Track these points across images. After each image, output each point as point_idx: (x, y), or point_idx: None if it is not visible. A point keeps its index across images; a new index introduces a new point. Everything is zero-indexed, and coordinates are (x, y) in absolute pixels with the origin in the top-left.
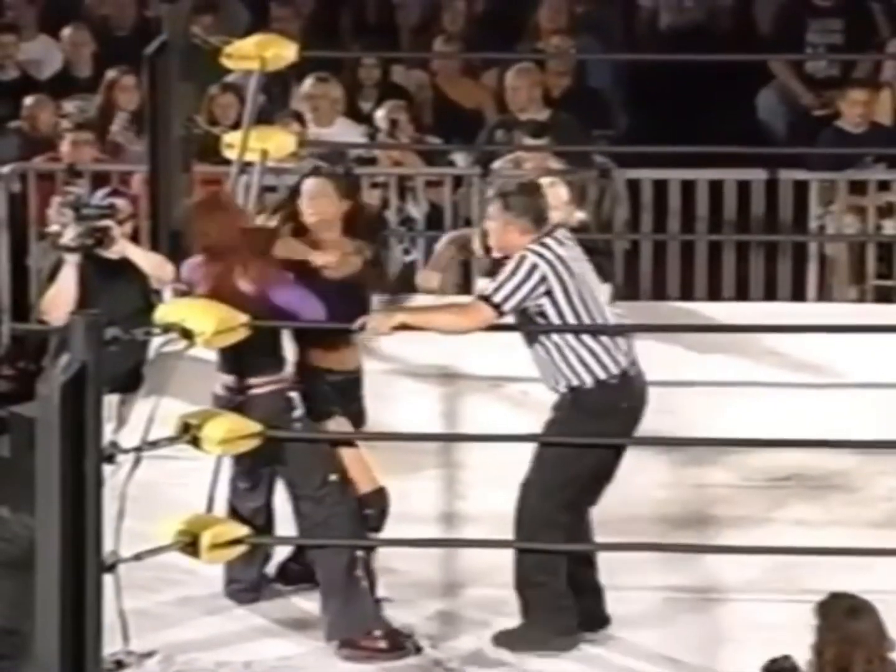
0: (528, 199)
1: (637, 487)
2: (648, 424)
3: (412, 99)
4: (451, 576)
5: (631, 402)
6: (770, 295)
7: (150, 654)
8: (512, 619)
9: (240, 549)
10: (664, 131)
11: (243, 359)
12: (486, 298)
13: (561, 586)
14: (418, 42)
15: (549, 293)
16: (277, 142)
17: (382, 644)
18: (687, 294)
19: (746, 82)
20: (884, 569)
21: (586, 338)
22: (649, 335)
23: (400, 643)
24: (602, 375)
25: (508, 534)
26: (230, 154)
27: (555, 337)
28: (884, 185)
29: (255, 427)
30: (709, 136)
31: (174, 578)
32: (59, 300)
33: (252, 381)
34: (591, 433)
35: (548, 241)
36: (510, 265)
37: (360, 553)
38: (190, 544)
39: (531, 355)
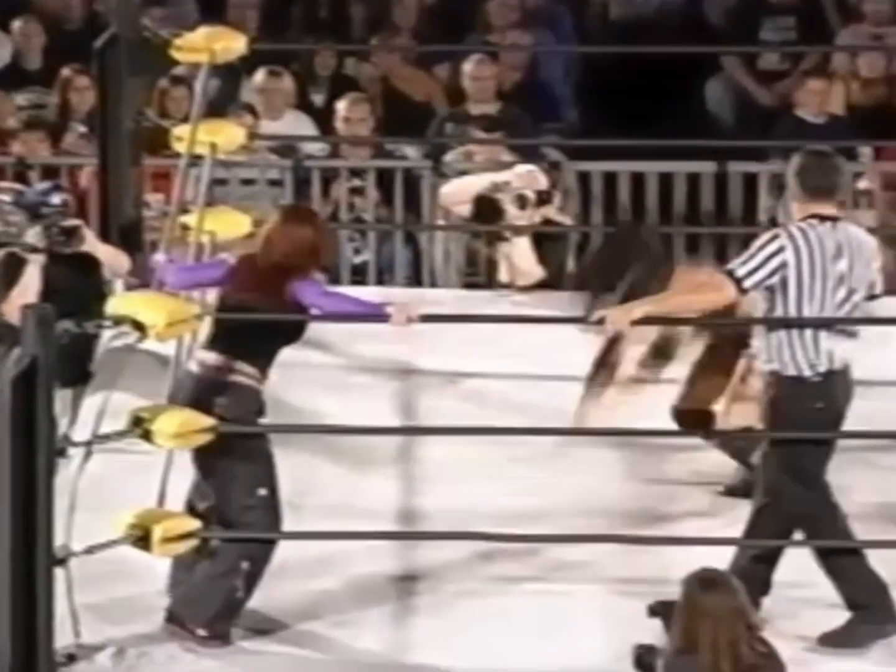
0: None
1: (591, 482)
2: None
3: (364, 92)
4: (408, 572)
5: (827, 403)
6: None
7: (101, 648)
8: (466, 613)
9: (191, 543)
10: (614, 124)
11: (240, 341)
12: (729, 273)
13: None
14: (369, 35)
15: (786, 279)
16: (227, 135)
17: (202, 632)
18: None
19: (695, 75)
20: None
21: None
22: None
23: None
24: (806, 371)
25: (473, 526)
26: (179, 147)
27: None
28: None
29: (209, 422)
30: (658, 129)
31: (126, 572)
32: (23, 300)
33: (240, 366)
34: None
35: (804, 224)
36: (759, 240)
37: (245, 566)
38: (141, 538)
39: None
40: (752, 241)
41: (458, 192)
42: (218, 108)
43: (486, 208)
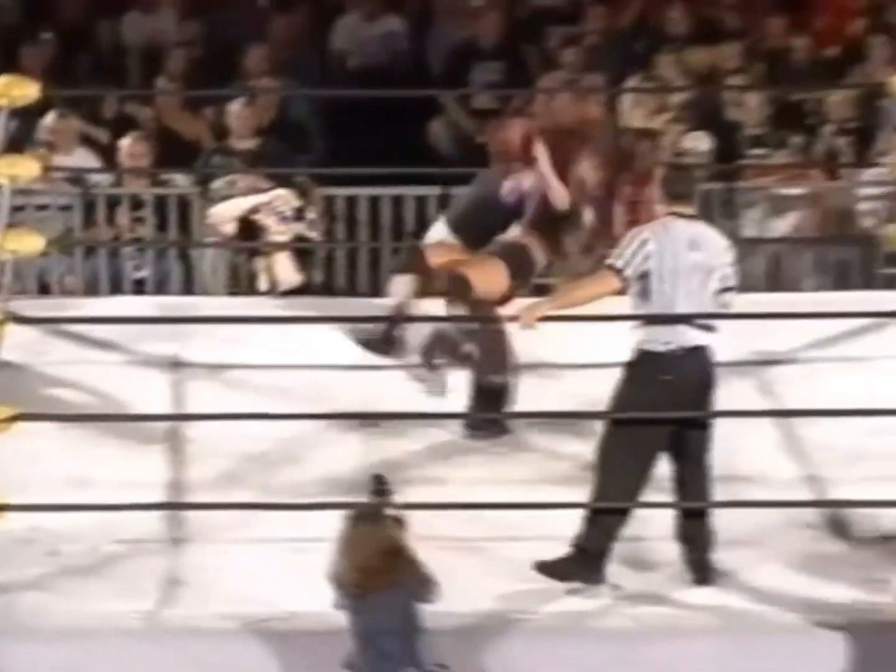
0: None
1: (337, 456)
2: (346, 400)
3: (142, 130)
4: (180, 533)
5: (674, 376)
6: None
7: None
8: (228, 567)
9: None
10: (354, 155)
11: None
12: (610, 266)
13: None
14: (146, 82)
15: (650, 266)
16: (25, 168)
17: None
18: (375, 292)
19: (421, 113)
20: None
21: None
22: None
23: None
24: (659, 347)
25: (235, 497)
26: None
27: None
28: None
29: (10, 411)
30: (391, 159)
31: None
32: None
33: None
34: (637, 393)
35: (664, 221)
36: (630, 236)
37: None
38: None
39: None
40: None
41: (224, 214)
42: (17, 144)
43: (248, 228)
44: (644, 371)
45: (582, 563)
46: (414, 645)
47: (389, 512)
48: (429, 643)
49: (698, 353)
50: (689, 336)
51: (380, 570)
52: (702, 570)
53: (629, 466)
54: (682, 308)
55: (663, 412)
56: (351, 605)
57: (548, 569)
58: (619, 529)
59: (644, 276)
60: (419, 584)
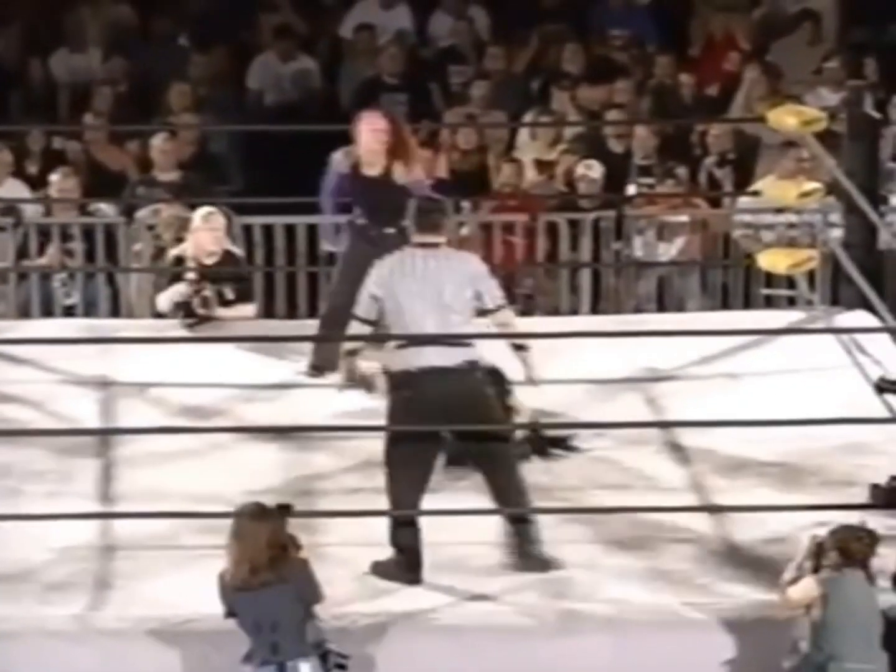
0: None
1: (256, 467)
2: (264, 415)
3: (69, 163)
4: (106, 541)
5: (418, 394)
6: None
7: None
8: (158, 572)
9: None
10: (270, 186)
11: None
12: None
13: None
14: (74, 117)
15: (384, 295)
16: None
17: None
18: (292, 314)
19: (333, 146)
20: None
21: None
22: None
23: None
24: (400, 367)
25: (155, 506)
26: None
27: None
28: None
29: None
30: (305, 190)
31: None
32: None
33: None
34: (393, 407)
35: (406, 250)
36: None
37: None
38: None
39: None
40: None
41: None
42: None
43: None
44: (394, 391)
45: (398, 567)
46: (303, 637)
47: (287, 533)
48: (319, 634)
49: (441, 371)
50: (428, 356)
51: (265, 565)
52: (530, 557)
53: (403, 478)
54: (422, 328)
55: (414, 426)
56: (240, 600)
57: (376, 569)
58: (408, 539)
59: (381, 306)
60: (304, 582)
